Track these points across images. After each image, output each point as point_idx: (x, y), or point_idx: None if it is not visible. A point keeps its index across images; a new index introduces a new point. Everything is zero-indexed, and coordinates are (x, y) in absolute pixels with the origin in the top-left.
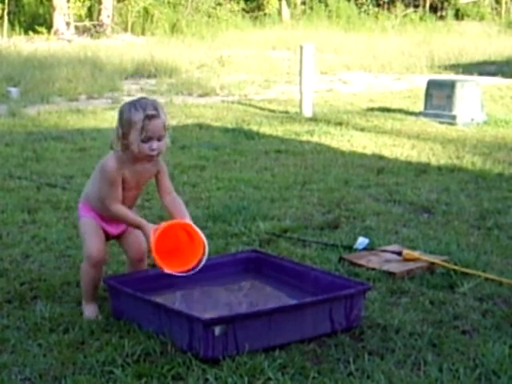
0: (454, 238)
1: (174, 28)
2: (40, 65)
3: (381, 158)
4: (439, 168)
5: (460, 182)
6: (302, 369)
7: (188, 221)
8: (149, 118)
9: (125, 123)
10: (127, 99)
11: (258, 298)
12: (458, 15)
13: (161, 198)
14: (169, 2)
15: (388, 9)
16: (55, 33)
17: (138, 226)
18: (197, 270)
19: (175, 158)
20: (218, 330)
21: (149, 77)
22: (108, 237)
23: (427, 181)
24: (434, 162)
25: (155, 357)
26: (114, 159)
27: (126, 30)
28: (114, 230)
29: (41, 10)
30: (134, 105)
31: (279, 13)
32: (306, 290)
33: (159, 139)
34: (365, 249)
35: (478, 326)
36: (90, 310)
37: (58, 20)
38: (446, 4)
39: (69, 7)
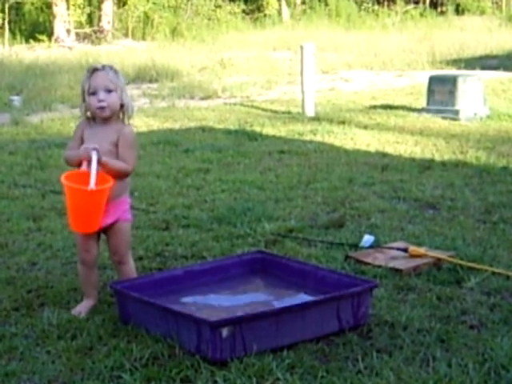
0: (459, 234)
1: (174, 32)
2: (42, 73)
3: (384, 155)
4: (443, 164)
5: (464, 176)
6: (311, 368)
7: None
8: (92, 71)
9: (80, 91)
10: None
11: (265, 299)
12: (459, 10)
13: None
14: (169, 6)
15: (388, 6)
16: (56, 40)
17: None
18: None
19: (179, 162)
20: (225, 332)
21: (150, 81)
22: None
23: (431, 177)
24: (437, 157)
25: (163, 360)
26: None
27: (126, 35)
28: None
29: (41, 18)
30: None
31: (279, 13)
32: (313, 290)
33: (108, 92)
34: (371, 246)
35: (486, 320)
36: (77, 307)
37: (59, 27)
38: None
39: (69, 14)
